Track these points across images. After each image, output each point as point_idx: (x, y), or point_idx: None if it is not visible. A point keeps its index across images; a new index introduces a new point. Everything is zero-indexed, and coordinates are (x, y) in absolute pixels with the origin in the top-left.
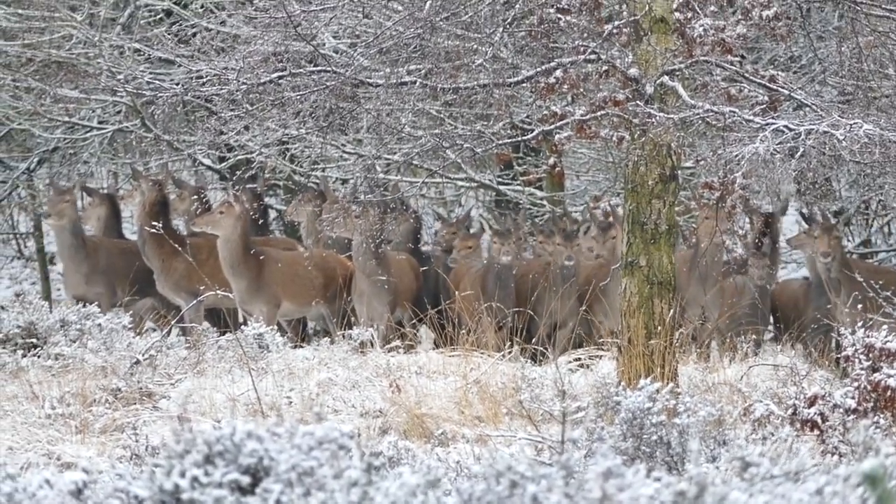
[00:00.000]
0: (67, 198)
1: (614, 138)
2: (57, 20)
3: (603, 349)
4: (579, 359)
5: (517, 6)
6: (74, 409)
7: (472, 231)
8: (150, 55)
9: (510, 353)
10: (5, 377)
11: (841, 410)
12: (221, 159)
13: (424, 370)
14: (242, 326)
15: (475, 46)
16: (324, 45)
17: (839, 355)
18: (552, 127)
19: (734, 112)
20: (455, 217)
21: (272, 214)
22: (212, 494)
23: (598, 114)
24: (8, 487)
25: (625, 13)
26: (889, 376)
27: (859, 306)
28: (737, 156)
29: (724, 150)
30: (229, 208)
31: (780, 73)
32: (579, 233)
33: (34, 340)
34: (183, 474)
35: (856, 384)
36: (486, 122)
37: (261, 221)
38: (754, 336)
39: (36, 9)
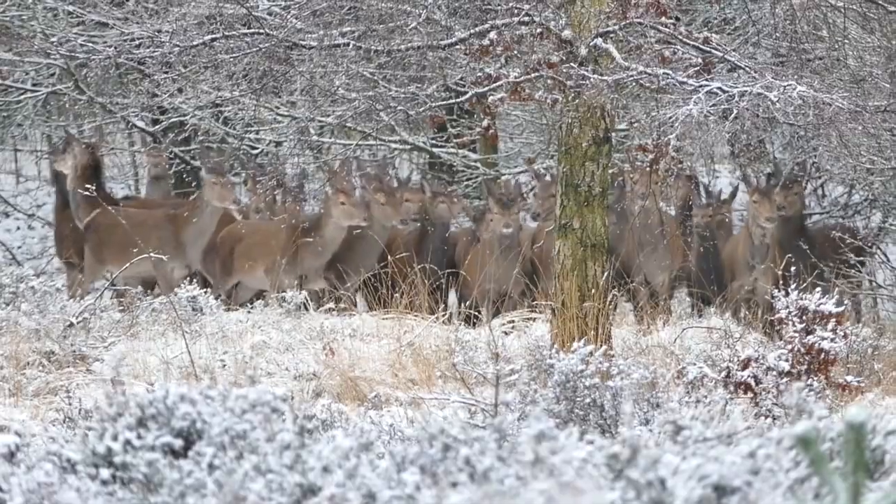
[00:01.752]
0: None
1: (548, 100)
2: None
3: (537, 312)
4: (513, 321)
5: None
6: (7, 373)
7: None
8: (83, 18)
9: (444, 315)
10: None
11: (774, 373)
12: (155, 122)
13: (358, 333)
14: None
15: (409, 9)
16: (257, 7)
17: (772, 318)
18: (486, 89)
19: (668, 74)
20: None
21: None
22: (144, 457)
23: (532, 76)
24: None
25: None
26: (822, 339)
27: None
28: (670, 118)
29: (657, 112)
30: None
31: (713, 34)
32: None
33: None
34: (116, 437)
35: (789, 347)
36: (419, 85)
37: (193, 184)
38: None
39: None
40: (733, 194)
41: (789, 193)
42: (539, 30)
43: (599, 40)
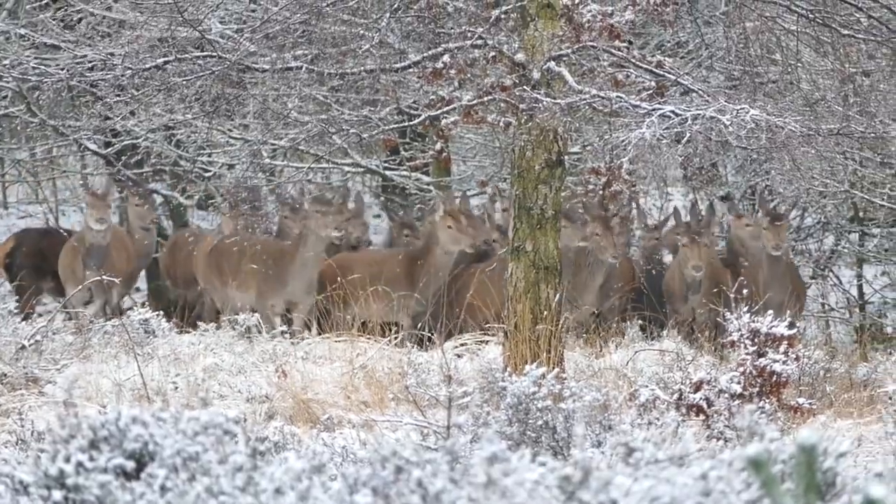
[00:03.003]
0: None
1: (501, 123)
2: None
3: (489, 335)
4: (465, 344)
5: None
6: None
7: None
8: (35, 40)
9: (396, 338)
10: None
11: (726, 395)
12: (107, 144)
13: (311, 356)
14: (128, 312)
15: (362, 32)
16: (210, 30)
17: (724, 340)
18: (439, 112)
19: (621, 97)
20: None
21: (158, 200)
22: (97, 479)
23: (485, 99)
24: None
25: None
26: (774, 361)
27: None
28: (623, 141)
29: (610, 135)
30: None
31: (666, 58)
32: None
33: None
34: (68, 459)
35: (741, 369)
36: (372, 108)
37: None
38: (640, 321)
39: None
40: (668, 219)
41: (781, 229)
42: (492, 53)
43: (552, 63)
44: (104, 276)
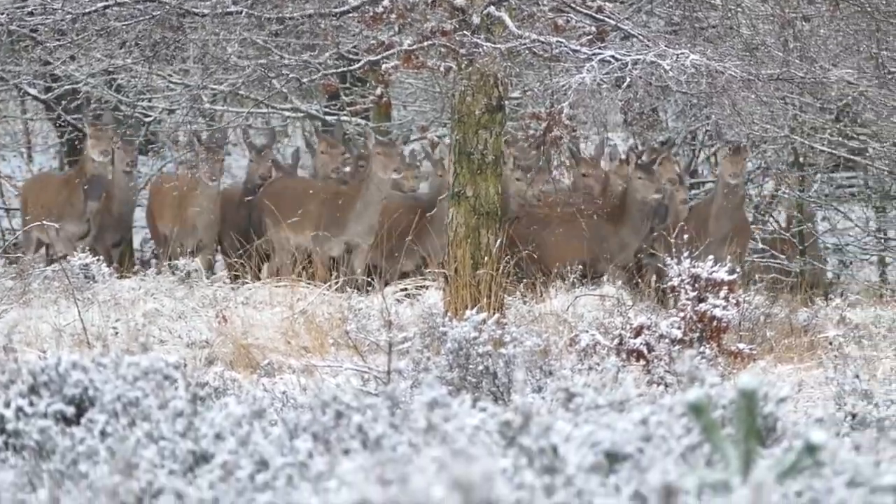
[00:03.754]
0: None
1: (441, 68)
2: None
3: (429, 279)
4: (406, 289)
5: None
6: None
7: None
8: None
9: (337, 283)
10: None
11: (667, 341)
12: (47, 89)
13: (251, 301)
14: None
15: None
16: None
17: (664, 285)
18: (379, 57)
19: (561, 42)
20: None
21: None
22: (36, 425)
23: (425, 44)
24: None
25: None
26: (715, 307)
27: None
28: (563, 86)
29: (550, 80)
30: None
31: (607, 3)
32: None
33: None
34: (8, 405)
35: (682, 314)
36: (312, 52)
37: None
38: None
39: None
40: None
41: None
42: None
43: (492, 8)
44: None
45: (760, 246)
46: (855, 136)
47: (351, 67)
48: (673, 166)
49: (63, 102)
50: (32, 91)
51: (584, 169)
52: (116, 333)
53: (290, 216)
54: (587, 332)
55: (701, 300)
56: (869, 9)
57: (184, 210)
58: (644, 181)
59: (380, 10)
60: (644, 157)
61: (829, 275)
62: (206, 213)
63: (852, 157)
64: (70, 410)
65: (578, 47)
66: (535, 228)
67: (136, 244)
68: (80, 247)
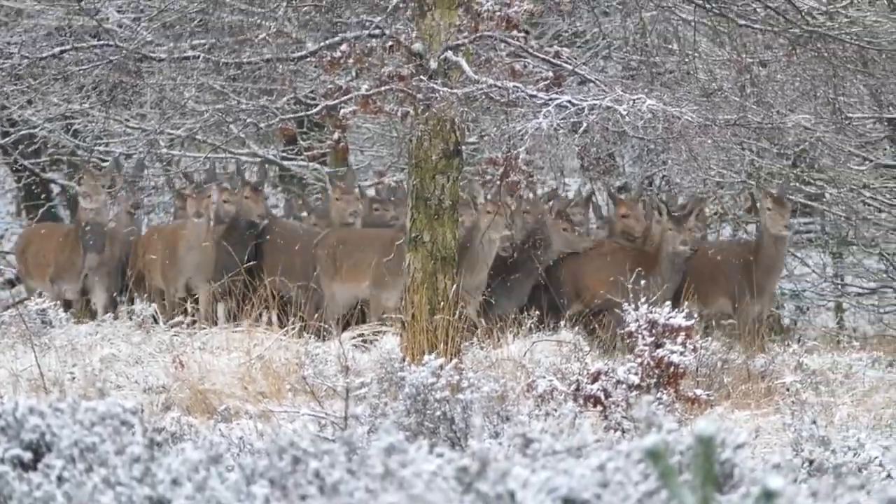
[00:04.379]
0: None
1: (398, 113)
2: None
3: (387, 325)
4: (363, 335)
5: None
6: None
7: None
8: None
9: (293, 329)
10: None
11: (624, 386)
12: (4, 134)
13: (208, 346)
14: (25, 301)
15: (259, 21)
16: (107, 19)
17: (622, 331)
18: (336, 102)
19: (518, 87)
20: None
21: (55, 190)
22: None
23: (383, 89)
24: None
25: None
26: (672, 352)
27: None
28: (520, 131)
29: (507, 125)
30: None
31: (564, 48)
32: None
33: None
34: None
35: (639, 360)
36: (270, 97)
37: (43, 196)
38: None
39: None
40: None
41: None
42: (389, 42)
43: (450, 53)
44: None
45: None
46: (812, 181)
47: (308, 112)
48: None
49: (20, 147)
50: None
51: (623, 210)
52: (73, 379)
53: (349, 267)
54: (544, 377)
55: (658, 346)
56: (826, 54)
57: (172, 252)
58: (675, 233)
59: (337, 55)
60: (671, 205)
61: (787, 321)
62: (195, 251)
63: (809, 202)
64: (27, 456)
65: (535, 92)
66: (577, 262)
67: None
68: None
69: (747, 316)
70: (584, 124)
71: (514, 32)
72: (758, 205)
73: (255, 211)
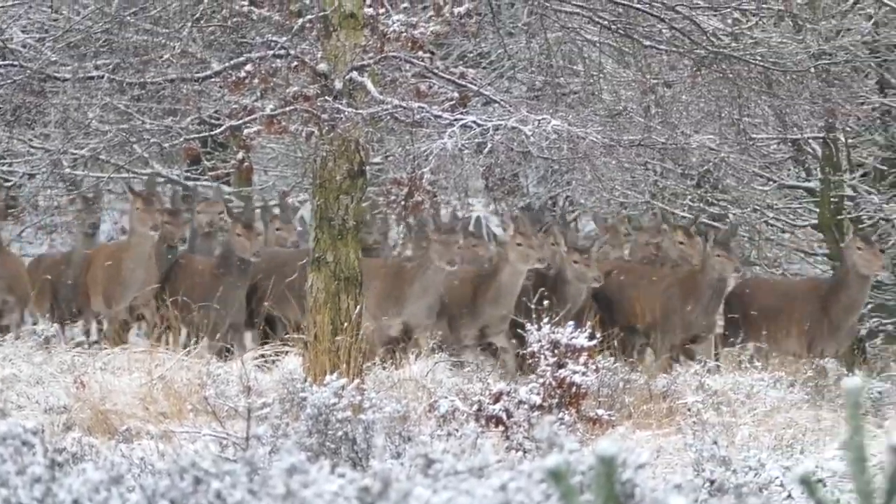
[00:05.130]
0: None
1: (303, 134)
2: None
3: (289, 345)
4: (264, 355)
5: (206, 1)
6: None
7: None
8: None
9: (195, 349)
10: None
11: (526, 406)
12: None
13: (109, 367)
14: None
15: (164, 41)
16: (11, 39)
17: (524, 351)
18: (241, 122)
19: (423, 108)
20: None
21: None
22: None
23: (287, 109)
24: None
25: (315, 8)
26: (574, 373)
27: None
28: (425, 151)
29: (412, 145)
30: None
31: (469, 69)
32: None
33: None
34: None
35: (541, 380)
36: (174, 117)
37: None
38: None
39: None
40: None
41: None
42: (294, 63)
43: (355, 73)
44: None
45: None
46: (716, 201)
47: (212, 132)
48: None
49: None
50: None
51: (645, 238)
52: None
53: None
54: (446, 398)
55: (560, 366)
56: (730, 75)
57: (116, 270)
58: (722, 258)
59: (242, 75)
60: (707, 229)
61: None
62: (140, 267)
63: (713, 223)
64: None
65: (440, 113)
66: (620, 287)
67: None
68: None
69: (822, 355)
70: (489, 145)
71: (420, 53)
72: (842, 244)
73: (247, 248)
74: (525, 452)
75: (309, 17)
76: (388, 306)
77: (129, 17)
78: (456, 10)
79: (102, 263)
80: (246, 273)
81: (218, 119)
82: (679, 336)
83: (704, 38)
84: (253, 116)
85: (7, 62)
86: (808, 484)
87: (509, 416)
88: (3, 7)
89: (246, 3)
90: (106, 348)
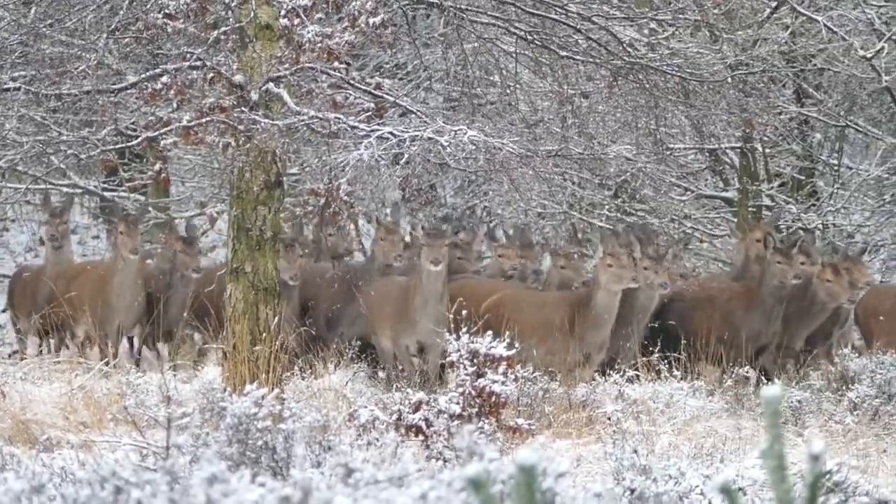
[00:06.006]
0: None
1: (220, 145)
2: None
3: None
4: (184, 365)
5: (122, 13)
6: None
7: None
8: None
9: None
10: None
11: (446, 416)
12: None
13: (30, 377)
14: None
15: (79, 53)
16: None
17: (444, 361)
18: (157, 133)
19: (339, 118)
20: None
21: None
22: None
23: (204, 120)
24: None
25: (230, 20)
26: (493, 382)
27: None
28: (342, 162)
29: (329, 156)
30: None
31: (385, 80)
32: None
33: None
34: None
35: (461, 390)
36: (91, 129)
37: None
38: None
39: None
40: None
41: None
42: (211, 74)
43: (271, 85)
44: None
45: None
46: (633, 211)
47: (129, 143)
48: (813, 251)
49: None
50: None
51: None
52: None
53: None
54: (366, 407)
55: (480, 375)
56: (647, 85)
57: (104, 293)
58: (783, 265)
59: (158, 86)
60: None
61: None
62: (127, 292)
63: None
64: None
65: (357, 124)
66: (684, 306)
67: None
68: None
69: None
70: (406, 155)
71: (336, 64)
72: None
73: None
74: (445, 461)
75: (224, 28)
76: (403, 326)
77: (44, 29)
78: (371, 21)
79: (89, 285)
80: (188, 287)
81: (135, 130)
82: (749, 348)
83: (621, 48)
84: (169, 128)
85: None
86: (729, 492)
87: (429, 425)
88: None
89: (160, 15)
90: (24, 358)
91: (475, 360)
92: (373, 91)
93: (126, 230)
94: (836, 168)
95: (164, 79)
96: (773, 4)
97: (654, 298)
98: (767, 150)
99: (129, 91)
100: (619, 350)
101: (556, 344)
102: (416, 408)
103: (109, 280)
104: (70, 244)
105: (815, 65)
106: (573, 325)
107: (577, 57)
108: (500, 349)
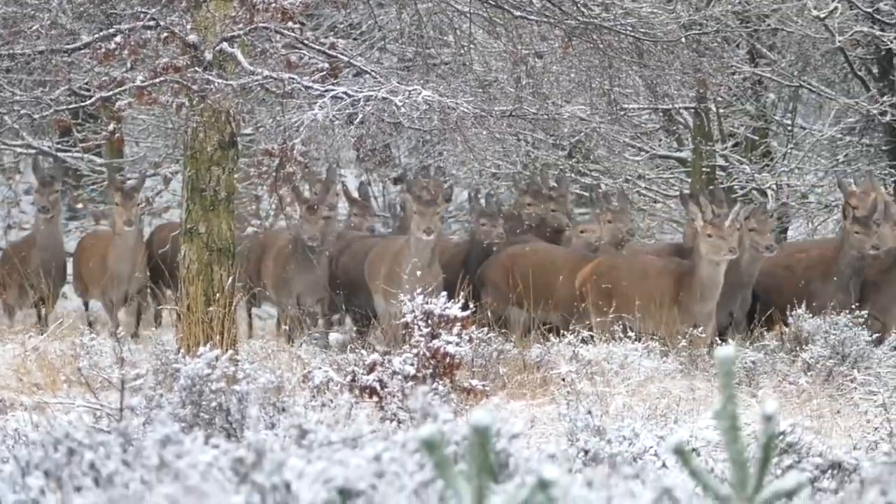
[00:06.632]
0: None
1: (174, 105)
2: None
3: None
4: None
5: None
6: None
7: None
8: None
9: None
10: None
11: (400, 377)
12: None
13: None
14: None
15: (33, 12)
16: None
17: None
18: (111, 93)
19: (294, 79)
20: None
21: None
22: None
23: (158, 80)
24: None
25: None
26: (448, 343)
27: None
28: (296, 122)
29: (283, 116)
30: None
31: (340, 40)
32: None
33: None
34: None
35: (415, 351)
36: (44, 89)
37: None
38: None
39: None
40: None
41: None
42: (164, 34)
43: (225, 45)
44: None
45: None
46: (587, 172)
47: (83, 104)
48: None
49: None
50: None
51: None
52: None
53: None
54: (320, 368)
55: (434, 336)
56: (601, 46)
57: (104, 262)
58: (862, 235)
59: (112, 46)
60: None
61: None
62: (126, 261)
63: (584, 192)
64: None
65: (311, 84)
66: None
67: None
68: None
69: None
70: (360, 115)
71: (290, 24)
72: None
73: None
74: (399, 423)
75: None
76: (393, 287)
77: None
78: None
79: (90, 255)
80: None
81: (88, 90)
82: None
83: (575, 8)
84: (123, 88)
85: None
86: (682, 453)
87: (383, 386)
88: None
89: None
90: None
91: (430, 321)
92: (327, 51)
93: (122, 201)
94: (789, 128)
95: (118, 38)
96: None
97: (758, 261)
98: (721, 111)
99: (82, 51)
100: (728, 318)
101: (663, 316)
102: (371, 369)
103: (107, 250)
104: (60, 215)
105: (768, 25)
106: (677, 297)
107: (532, 17)
108: (455, 310)
